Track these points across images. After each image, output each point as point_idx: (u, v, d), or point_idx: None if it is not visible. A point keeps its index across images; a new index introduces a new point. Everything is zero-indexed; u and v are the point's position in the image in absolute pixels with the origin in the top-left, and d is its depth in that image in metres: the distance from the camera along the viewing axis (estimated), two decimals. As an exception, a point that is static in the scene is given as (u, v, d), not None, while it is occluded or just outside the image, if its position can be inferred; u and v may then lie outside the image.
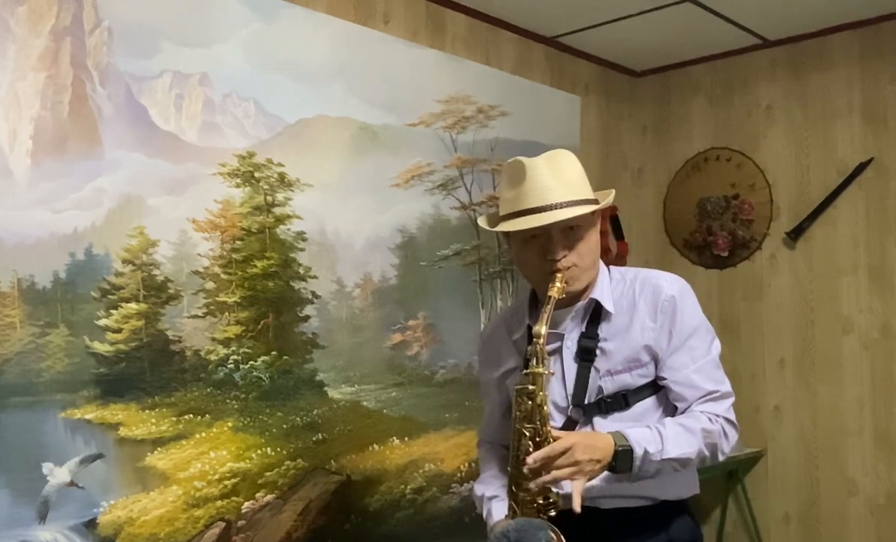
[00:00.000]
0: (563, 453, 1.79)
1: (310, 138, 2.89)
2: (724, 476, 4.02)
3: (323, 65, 2.94)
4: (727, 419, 1.97)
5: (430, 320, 3.28)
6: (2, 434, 2.17)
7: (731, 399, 2.00)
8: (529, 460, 1.83)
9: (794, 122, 3.98)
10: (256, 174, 2.72)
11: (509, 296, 3.59)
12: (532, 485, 1.85)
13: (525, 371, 1.92)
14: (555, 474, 1.80)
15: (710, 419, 1.93)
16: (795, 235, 3.95)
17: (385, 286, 3.13)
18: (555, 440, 1.83)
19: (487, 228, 2.04)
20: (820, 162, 3.90)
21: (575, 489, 1.81)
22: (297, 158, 2.83)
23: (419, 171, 3.25)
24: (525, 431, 1.88)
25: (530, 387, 1.88)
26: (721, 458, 1.99)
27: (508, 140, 3.58)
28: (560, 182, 1.92)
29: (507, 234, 2.03)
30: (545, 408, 1.87)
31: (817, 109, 3.91)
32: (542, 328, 1.87)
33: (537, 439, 1.86)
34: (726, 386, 2.00)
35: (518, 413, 1.90)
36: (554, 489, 1.87)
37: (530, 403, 1.88)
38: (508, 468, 1.95)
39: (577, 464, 1.80)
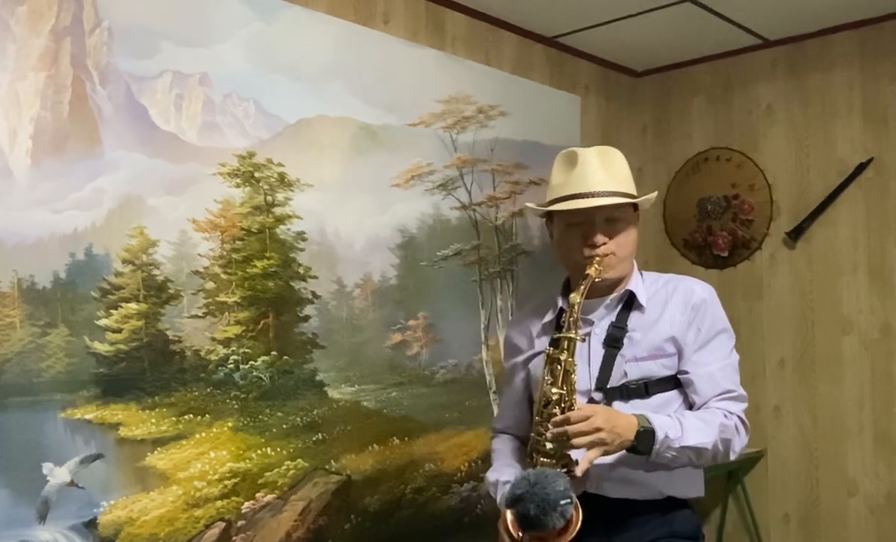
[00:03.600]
0: (585, 419, 1.83)
1: (310, 138, 2.89)
2: (724, 476, 4.02)
3: (323, 65, 2.94)
4: (741, 419, 2.04)
5: (430, 320, 3.27)
6: (2, 434, 2.17)
7: (745, 404, 2.08)
8: (552, 423, 1.87)
9: (794, 122, 3.98)
10: (256, 174, 2.72)
11: (509, 296, 3.59)
12: (549, 441, 1.89)
13: (556, 335, 1.98)
14: (576, 440, 1.84)
15: (725, 415, 2.00)
16: (795, 235, 3.95)
17: (385, 286, 3.13)
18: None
19: (535, 209, 2.13)
20: (820, 162, 3.90)
21: (586, 458, 1.85)
22: (297, 158, 2.83)
23: (419, 171, 3.24)
24: (552, 395, 1.92)
25: (561, 355, 1.93)
26: (732, 456, 2.05)
27: (508, 140, 3.58)
28: (609, 173, 2.01)
29: (549, 218, 2.10)
30: (573, 376, 1.92)
31: (817, 109, 3.91)
32: (577, 297, 1.94)
33: (562, 404, 1.91)
34: (742, 391, 2.08)
35: (546, 378, 1.95)
36: (574, 458, 1.90)
37: (559, 368, 1.93)
38: (532, 434, 1.98)
39: (598, 431, 1.83)
